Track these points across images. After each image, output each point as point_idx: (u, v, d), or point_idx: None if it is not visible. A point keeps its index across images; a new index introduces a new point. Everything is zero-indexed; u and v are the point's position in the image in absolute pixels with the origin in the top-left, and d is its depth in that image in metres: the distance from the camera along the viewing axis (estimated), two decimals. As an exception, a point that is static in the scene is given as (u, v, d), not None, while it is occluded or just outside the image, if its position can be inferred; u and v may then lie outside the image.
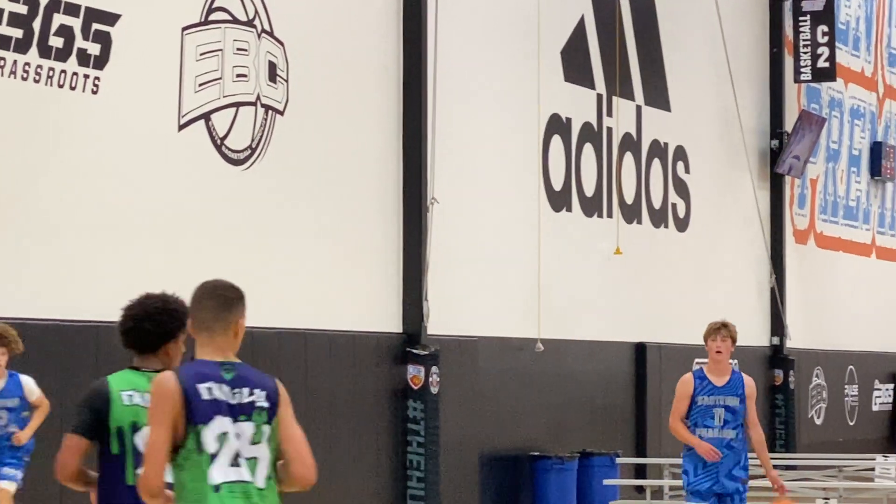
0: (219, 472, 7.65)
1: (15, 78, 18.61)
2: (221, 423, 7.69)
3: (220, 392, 7.60)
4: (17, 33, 18.67)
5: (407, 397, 25.09)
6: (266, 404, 7.90)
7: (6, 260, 18.66)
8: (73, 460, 8.60)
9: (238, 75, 22.30)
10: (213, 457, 7.62)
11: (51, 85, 19.21)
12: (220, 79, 21.94)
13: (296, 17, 23.55)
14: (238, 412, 7.65)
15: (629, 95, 31.14)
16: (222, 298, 8.06)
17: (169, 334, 8.93)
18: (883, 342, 42.42)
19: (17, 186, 19.26)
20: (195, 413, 7.55)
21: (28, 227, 19.01)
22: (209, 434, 7.66)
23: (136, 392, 8.82)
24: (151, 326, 8.99)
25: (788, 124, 35.80)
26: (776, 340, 36.06)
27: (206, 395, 7.60)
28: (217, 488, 7.68)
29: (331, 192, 24.08)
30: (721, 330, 14.43)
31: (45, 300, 19.08)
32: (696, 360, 32.04)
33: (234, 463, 7.66)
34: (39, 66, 18.92)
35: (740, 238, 35.39)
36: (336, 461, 23.71)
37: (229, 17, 22.06)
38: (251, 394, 7.94)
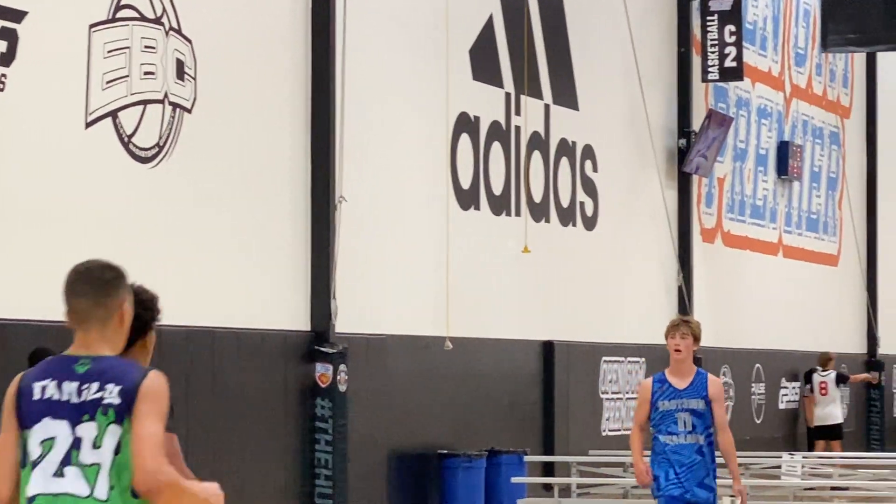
0: (35, 484, 7.01)
1: None
2: (48, 427, 7.05)
3: (56, 391, 6.94)
4: None
5: (315, 396, 25.04)
6: (117, 401, 7.13)
7: None
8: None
9: (145, 73, 22.17)
10: (35, 465, 6.99)
11: None
12: (127, 76, 21.82)
13: (204, 15, 23.41)
14: (81, 412, 6.92)
15: (537, 94, 31.21)
16: (99, 282, 7.44)
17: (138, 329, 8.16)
18: (790, 340, 42.62)
19: None
20: (22, 417, 7.03)
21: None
22: (33, 439, 7.08)
23: None
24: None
25: (696, 123, 36.06)
26: None
27: (37, 395, 7.01)
28: (30, 501, 6.99)
29: (239, 190, 24.08)
30: (680, 327, 14.20)
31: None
32: (604, 357, 32.35)
33: (59, 472, 6.97)
34: None
35: (648, 237, 35.54)
36: (244, 460, 23.90)
37: (137, 15, 21.94)
38: (100, 389, 7.22)
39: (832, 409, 40.30)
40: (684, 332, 13.81)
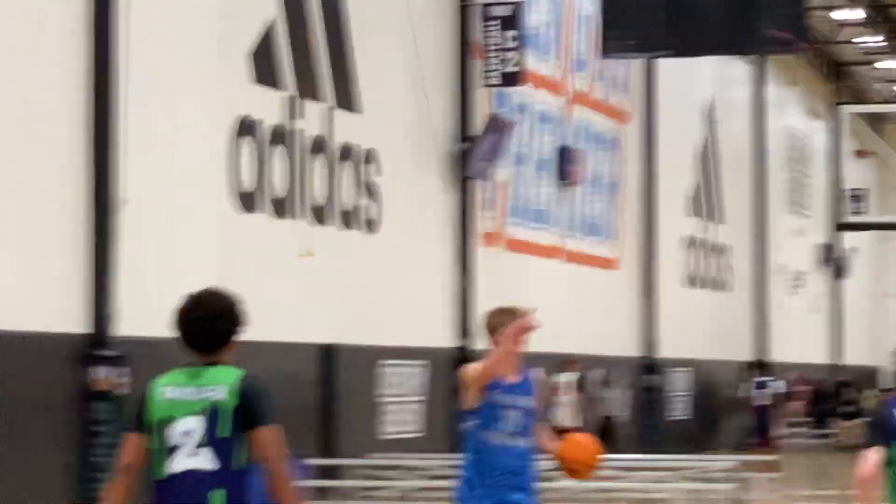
0: None
1: None
2: None
3: None
4: None
5: (93, 399, 24.67)
6: None
7: None
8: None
9: None
10: None
11: None
12: None
13: None
14: None
15: (320, 97, 31.28)
16: None
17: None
18: (571, 344, 42.03)
19: None
20: None
21: None
22: None
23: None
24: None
25: (478, 128, 36.24)
26: (465, 342, 35.94)
27: None
28: None
29: (15, 192, 23.77)
30: (516, 313, 13.14)
31: None
32: (384, 360, 32.34)
33: None
34: None
35: (431, 240, 35.60)
36: (19, 465, 23.55)
37: None
38: None
39: (561, 412, 40.65)
40: (527, 319, 12.81)
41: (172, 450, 8.51)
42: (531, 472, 12.69)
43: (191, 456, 8.54)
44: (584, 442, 13.19)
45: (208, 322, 8.71)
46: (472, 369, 12.76)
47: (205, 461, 8.55)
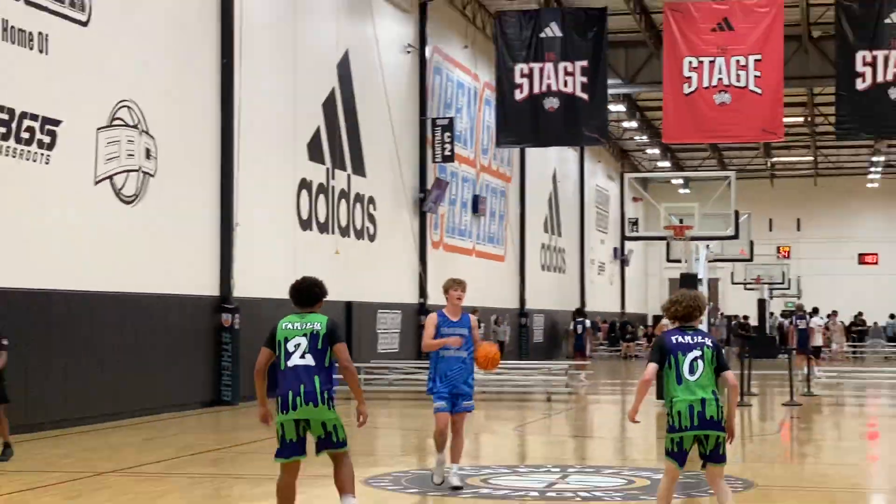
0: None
1: (3, 156, 18.08)
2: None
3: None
4: (3, 129, 18.00)
5: (221, 331, 24.47)
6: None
7: None
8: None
9: (128, 154, 21.52)
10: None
11: (19, 159, 18.66)
12: (118, 156, 21.20)
13: (160, 120, 22.57)
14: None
15: (343, 167, 30.45)
16: None
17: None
18: (480, 301, 39.09)
19: None
20: None
21: None
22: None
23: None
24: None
25: (429, 185, 35.74)
26: (423, 300, 35.61)
27: None
28: None
29: (185, 218, 23.36)
30: (461, 284, 13.02)
31: None
32: (379, 311, 32.14)
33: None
34: (15, 149, 18.41)
35: (404, 246, 34.61)
36: (183, 369, 23.52)
37: (123, 123, 21.43)
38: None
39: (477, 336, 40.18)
40: (463, 288, 12.94)
41: (289, 355, 9.38)
42: (470, 371, 12.73)
43: (300, 357, 9.39)
44: (490, 349, 13.04)
45: (308, 290, 9.85)
46: (429, 319, 12.78)
47: (309, 360, 9.46)
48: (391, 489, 12.83)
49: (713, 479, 9.18)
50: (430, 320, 12.70)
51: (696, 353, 8.97)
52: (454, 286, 12.85)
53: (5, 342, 14.91)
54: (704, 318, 9.26)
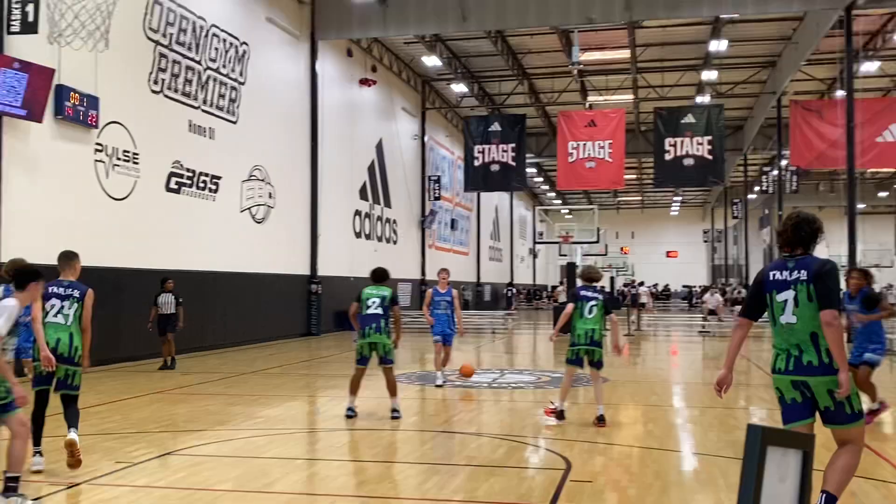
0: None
1: (180, 195, 17.95)
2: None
3: None
4: (189, 181, 17.87)
5: (311, 296, 23.63)
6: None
7: None
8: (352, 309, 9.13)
9: (259, 195, 21.00)
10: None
11: (199, 198, 18.55)
12: (253, 197, 20.84)
13: (277, 174, 22.10)
14: None
15: (380, 203, 29.56)
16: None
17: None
18: (458, 277, 40.64)
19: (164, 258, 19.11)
20: None
21: None
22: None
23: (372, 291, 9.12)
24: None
25: (427, 213, 34.77)
26: (423, 278, 34.21)
27: None
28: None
29: (293, 227, 22.69)
30: (446, 270, 12.19)
31: None
32: (399, 284, 31.36)
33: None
34: (196, 192, 18.21)
35: (412, 247, 33.38)
36: (284, 320, 22.54)
37: (257, 177, 20.94)
38: None
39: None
40: (447, 273, 12.12)
41: (370, 306, 8.95)
42: (452, 322, 11.98)
43: (376, 309, 8.95)
44: (468, 370, 12.44)
45: (382, 273, 9.35)
46: (428, 292, 12.17)
47: (378, 311, 9.00)
48: (405, 382, 12.62)
49: (595, 377, 8.91)
50: (428, 293, 12.34)
51: (594, 302, 8.71)
52: (442, 272, 12.39)
53: (181, 299, 14.69)
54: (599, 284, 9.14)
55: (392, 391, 9.26)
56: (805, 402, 4.49)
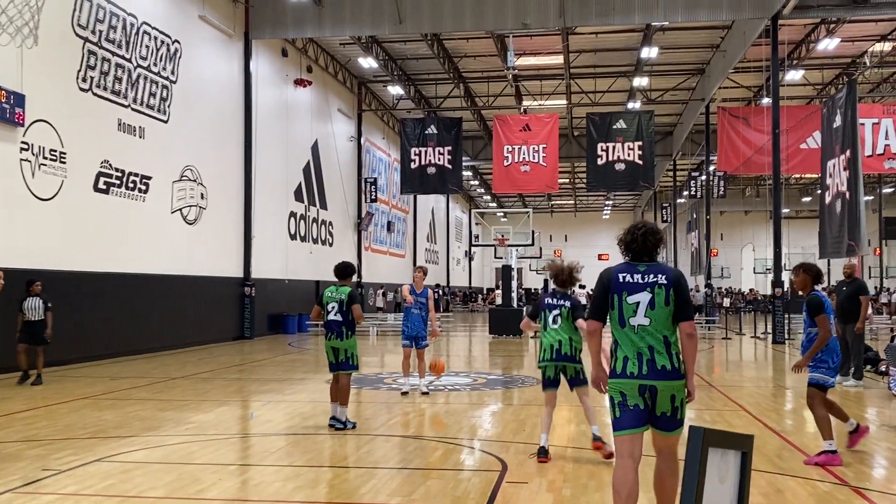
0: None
1: (109, 195, 17.50)
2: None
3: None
4: (118, 181, 17.47)
5: (244, 298, 23.42)
6: None
7: None
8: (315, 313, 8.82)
9: (190, 197, 20.79)
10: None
11: (128, 199, 18.15)
12: (185, 198, 20.51)
13: (211, 174, 21.78)
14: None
15: (316, 205, 29.35)
16: None
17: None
18: (397, 280, 40.04)
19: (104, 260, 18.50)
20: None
21: None
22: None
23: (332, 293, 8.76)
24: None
25: (363, 215, 34.59)
26: (359, 280, 34.89)
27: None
28: None
29: (224, 229, 22.37)
30: (423, 268, 11.60)
31: None
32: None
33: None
34: (125, 193, 17.81)
35: (349, 249, 33.20)
36: (216, 322, 22.19)
37: (189, 178, 20.60)
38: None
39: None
40: (424, 272, 11.46)
41: (329, 311, 8.65)
42: (425, 321, 11.42)
43: (335, 315, 8.65)
44: (439, 364, 11.81)
45: (344, 269, 8.92)
46: (404, 287, 11.53)
47: (338, 317, 8.70)
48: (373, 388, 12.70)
49: (580, 396, 7.41)
50: (405, 288, 11.52)
51: (557, 311, 7.30)
52: (417, 270, 11.66)
53: (50, 304, 12.90)
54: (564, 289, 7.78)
55: (343, 399, 8.81)
56: (644, 410, 4.40)
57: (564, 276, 7.39)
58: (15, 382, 12.93)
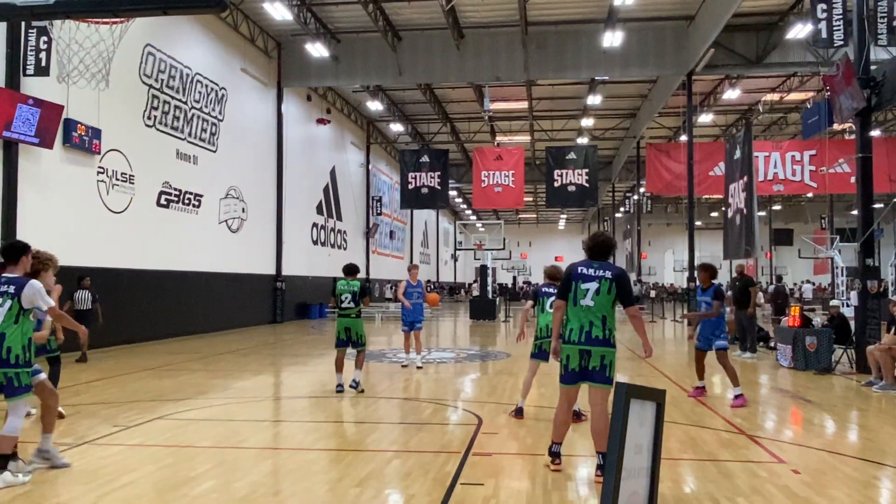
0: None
1: (169, 209, 17.30)
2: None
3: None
4: (176, 198, 17.24)
5: (276, 292, 22.93)
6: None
7: None
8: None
9: (234, 210, 20.43)
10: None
11: (184, 212, 17.98)
12: (229, 211, 20.44)
13: (252, 192, 21.52)
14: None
15: (334, 217, 28.79)
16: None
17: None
18: (396, 275, 38.65)
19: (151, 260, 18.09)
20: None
21: None
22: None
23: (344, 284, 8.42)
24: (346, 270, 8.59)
25: (371, 226, 33.97)
26: (368, 276, 34.07)
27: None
28: None
29: (261, 233, 21.97)
30: (417, 268, 11.11)
31: None
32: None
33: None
34: (182, 207, 17.60)
35: (359, 252, 32.70)
36: (254, 309, 21.77)
37: (233, 196, 20.29)
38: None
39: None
40: (417, 269, 11.00)
41: (343, 300, 8.38)
42: (422, 311, 11.05)
43: (349, 303, 8.37)
44: (434, 297, 12.03)
45: (352, 268, 8.60)
46: (401, 284, 10.85)
47: (352, 304, 8.38)
48: (378, 360, 12.43)
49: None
50: (402, 284, 11.02)
51: (553, 298, 6.86)
52: (412, 267, 11.27)
53: (97, 296, 12.28)
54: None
55: (358, 366, 8.65)
56: (581, 370, 4.85)
57: (558, 275, 7.48)
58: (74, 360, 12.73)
